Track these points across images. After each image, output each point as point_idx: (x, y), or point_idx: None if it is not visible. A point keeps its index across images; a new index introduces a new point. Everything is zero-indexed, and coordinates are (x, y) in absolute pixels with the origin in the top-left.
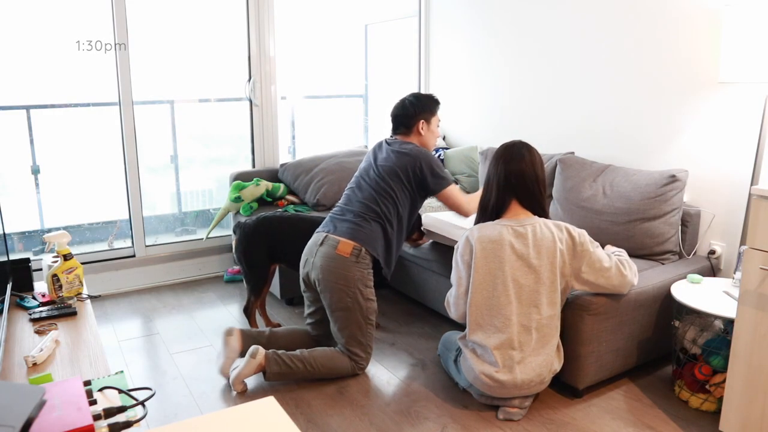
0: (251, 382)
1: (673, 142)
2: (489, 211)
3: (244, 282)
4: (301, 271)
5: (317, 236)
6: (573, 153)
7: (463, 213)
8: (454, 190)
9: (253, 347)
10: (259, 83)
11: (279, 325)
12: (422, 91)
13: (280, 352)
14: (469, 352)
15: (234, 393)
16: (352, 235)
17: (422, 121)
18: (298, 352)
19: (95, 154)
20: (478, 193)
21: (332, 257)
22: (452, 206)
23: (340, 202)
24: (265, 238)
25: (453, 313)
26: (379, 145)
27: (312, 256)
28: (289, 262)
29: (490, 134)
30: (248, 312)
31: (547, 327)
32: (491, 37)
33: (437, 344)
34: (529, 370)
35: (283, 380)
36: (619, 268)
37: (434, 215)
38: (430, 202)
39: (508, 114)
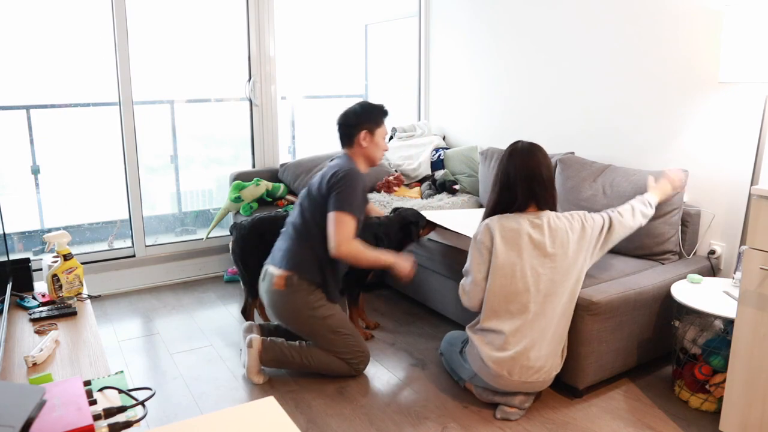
0: (250, 382)
1: (673, 142)
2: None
3: (242, 283)
4: None
5: (262, 271)
6: (573, 153)
7: (333, 244)
8: (345, 219)
9: (248, 337)
10: (259, 83)
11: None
12: (422, 95)
13: (278, 340)
14: (478, 339)
15: (259, 382)
16: (282, 262)
17: (365, 131)
18: (297, 342)
19: (95, 154)
20: (364, 251)
21: (271, 292)
22: (331, 232)
23: None
24: (261, 239)
25: (468, 301)
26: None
27: (262, 292)
28: None
29: (490, 134)
30: (246, 313)
31: (561, 317)
32: (491, 37)
33: (437, 344)
34: (535, 360)
35: (279, 368)
36: (612, 225)
37: (442, 212)
38: (430, 202)
39: (508, 114)
